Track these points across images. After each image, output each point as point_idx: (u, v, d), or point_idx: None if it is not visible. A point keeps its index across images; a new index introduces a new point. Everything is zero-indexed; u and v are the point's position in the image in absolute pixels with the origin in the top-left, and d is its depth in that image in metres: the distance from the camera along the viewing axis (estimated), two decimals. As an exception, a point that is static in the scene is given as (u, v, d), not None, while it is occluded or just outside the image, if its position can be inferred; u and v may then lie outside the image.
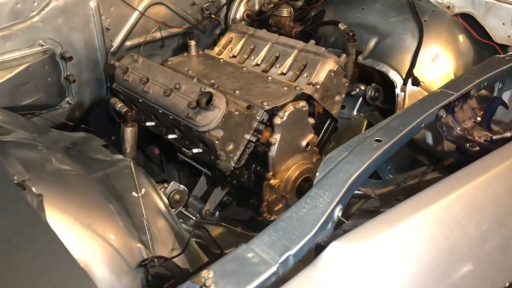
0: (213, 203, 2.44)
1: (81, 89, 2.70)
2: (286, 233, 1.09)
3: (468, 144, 1.50)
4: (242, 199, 2.47)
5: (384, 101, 2.94)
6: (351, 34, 2.79)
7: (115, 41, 2.74)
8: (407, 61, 2.77)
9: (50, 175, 1.48)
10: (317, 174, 1.29)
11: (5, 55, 2.33)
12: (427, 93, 2.70)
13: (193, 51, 2.83)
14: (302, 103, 2.29)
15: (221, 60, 2.72)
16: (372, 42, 2.92)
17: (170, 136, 2.34)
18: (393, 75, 2.76)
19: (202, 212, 2.41)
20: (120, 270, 1.39)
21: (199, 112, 2.04)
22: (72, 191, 1.46)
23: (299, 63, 2.51)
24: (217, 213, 2.54)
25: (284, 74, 2.51)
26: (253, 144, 2.22)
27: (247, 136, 2.19)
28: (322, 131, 2.58)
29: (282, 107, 2.24)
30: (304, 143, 2.39)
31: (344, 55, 2.49)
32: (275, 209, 2.40)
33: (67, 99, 2.66)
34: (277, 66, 2.55)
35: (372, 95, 2.82)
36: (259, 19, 3.10)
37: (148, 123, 2.43)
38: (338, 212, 1.19)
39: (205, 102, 2.00)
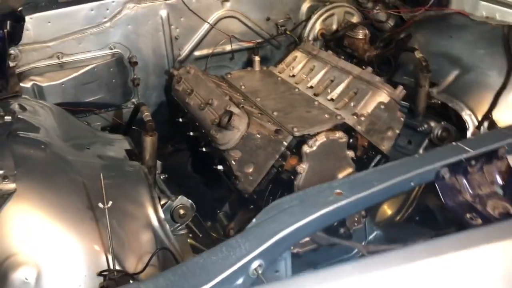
0: (239, 222, 2.38)
1: (147, 92, 2.86)
2: (181, 280, 1.00)
3: (468, 215, 1.22)
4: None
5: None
6: (424, 64, 2.50)
7: (183, 50, 2.84)
8: (487, 101, 2.38)
9: (39, 173, 1.58)
10: (253, 220, 1.16)
11: (77, 55, 2.57)
12: (505, 141, 2.30)
13: (256, 66, 2.81)
14: (339, 134, 2.12)
15: (279, 79, 2.65)
16: (452, 75, 2.57)
17: (205, 149, 2.34)
18: (466, 115, 2.41)
19: (226, 229, 2.36)
20: (75, 276, 1.42)
21: (220, 130, 2.01)
22: (53, 191, 1.54)
23: (351, 90, 2.32)
24: (245, 233, 2.46)
25: (333, 100, 2.35)
26: (277, 170, 2.10)
27: (271, 161, 2.08)
28: (368, 167, 2.35)
29: (314, 135, 2.09)
30: (339, 176, 2.20)
31: (400, 88, 2.23)
32: (300, 242, 2.25)
33: (133, 100, 2.83)
34: (329, 91, 2.39)
35: (439, 134, 2.49)
36: (330, 39, 2.94)
37: (191, 133, 2.47)
38: (256, 268, 1.05)
39: (226, 121, 1.95)
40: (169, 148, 3.11)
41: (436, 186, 1.28)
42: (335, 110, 2.27)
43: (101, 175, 1.49)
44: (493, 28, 2.61)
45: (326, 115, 2.21)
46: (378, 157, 2.34)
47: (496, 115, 2.34)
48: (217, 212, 2.50)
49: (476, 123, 2.38)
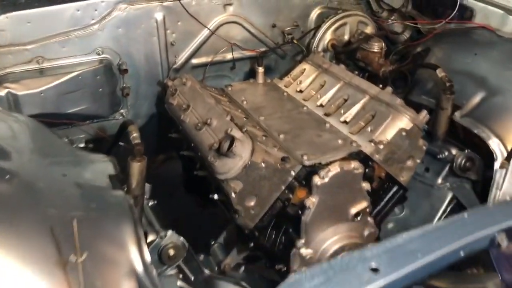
0: (236, 257, 2.12)
1: (138, 102, 2.60)
2: None
3: (532, 295, 0.98)
4: (270, 260, 2.10)
5: (483, 174, 2.31)
6: (448, 85, 2.25)
7: (179, 57, 2.58)
8: (517, 129, 2.13)
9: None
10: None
11: (60, 60, 2.31)
12: (537, 175, 2.06)
13: (260, 78, 2.55)
14: (355, 164, 1.86)
15: (285, 94, 2.40)
16: (477, 98, 2.32)
17: (201, 173, 2.08)
18: (494, 144, 2.16)
19: (221, 265, 2.10)
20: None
21: (219, 157, 1.75)
22: (16, 235, 1.28)
23: (367, 112, 2.07)
24: (242, 268, 2.20)
25: (346, 123, 2.09)
26: (282, 204, 1.84)
27: (276, 194, 1.82)
28: (384, 200, 2.10)
29: (327, 165, 1.83)
30: (353, 211, 1.95)
31: (424, 113, 1.98)
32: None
33: (121, 111, 2.56)
34: (342, 111, 2.14)
35: (462, 164, 2.24)
36: (343, 52, 2.69)
37: (185, 152, 2.21)
38: None
39: (226, 147, 1.69)
40: (161, 156, 2.85)
41: (490, 255, 1.03)
42: (350, 135, 2.02)
43: (75, 222, 1.22)
44: (524, 47, 2.37)
45: (340, 141, 1.96)
46: (394, 189, 2.10)
47: (526, 146, 2.10)
48: (211, 243, 2.23)
49: (505, 154, 2.13)
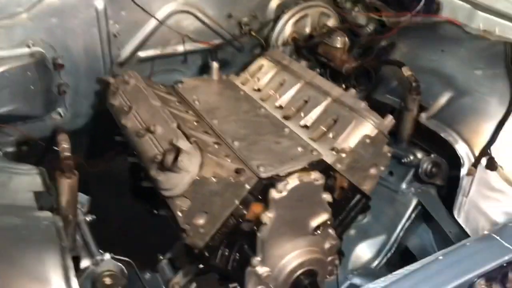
0: (186, 275, 1.93)
1: (78, 101, 2.35)
2: None
3: None
4: (223, 277, 1.92)
5: (449, 179, 2.20)
6: (414, 85, 2.11)
7: (123, 50, 2.32)
8: (486, 133, 2.03)
9: None
10: None
11: (-17, 54, 1.99)
12: (506, 183, 1.97)
13: (214, 74, 2.33)
14: (315, 176, 1.70)
15: (242, 92, 2.20)
16: (444, 98, 2.21)
17: (146, 184, 1.87)
18: (461, 149, 2.05)
19: (169, 285, 1.91)
20: None
21: (163, 171, 1.54)
22: None
23: (329, 116, 1.91)
24: (194, 285, 2.01)
25: (307, 127, 1.92)
26: (236, 221, 1.66)
27: (228, 210, 1.64)
28: (346, 211, 1.95)
29: (285, 177, 1.66)
30: (313, 224, 1.80)
31: (389, 118, 1.84)
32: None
33: (58, 110, 2.30)
34: (302, 114, 1.97)
35: (428, 169, 2.12)
36: (304, 46, 2.51)
37: (130, 159, 1.99)
38: None
39: (170, 161, 1.49)
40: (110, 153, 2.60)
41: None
42: (310, 141, 1.85)
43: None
44: (492, 45, 2.26)
45: (300, 149, 1.79)
46: (356, 198, 1.96)
47: (497, 151, 1.99)
48: (159, 258, 2.03)
49: (472, 159, 2.03)
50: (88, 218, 1.84)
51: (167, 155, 1.52)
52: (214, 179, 1.56)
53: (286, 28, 2.55)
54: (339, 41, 2.43)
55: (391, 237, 2.23)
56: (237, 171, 1.64)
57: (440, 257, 1.00)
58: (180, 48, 2.45)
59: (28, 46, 2.08)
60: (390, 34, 2.63)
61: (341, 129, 1.82)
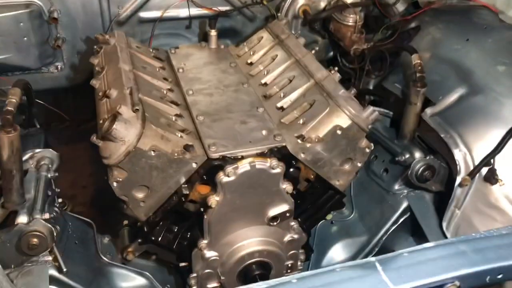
0: (140, 248, 1.88)
1: (75, 55, 2.35)
2: None
3: None
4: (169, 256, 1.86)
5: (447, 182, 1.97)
6: (418, 75, 1.87)
7: (123, 8, 2.27)
8: (492, 140, 1.77)
9: None
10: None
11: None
12: (506, 200, 1.71)
13: (212, 43, 2.22)
14: (272, 163, 1.58)
15: (232, 65, 2.08)
16: (455, 95, 1.96)
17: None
18: (459, 154, 1.82)
19: (124, 252, 1.88)
20: None
21: (102, 138, 1.47)
22: None
23: (306, 101, 1.74)
24: (153, 257, 1.97)
25: (283, 109, 1.77)
26: (178, 200, 1.58)
27: (172, 187, 1.56)
28: (314, 205, 1.81)
29: (236, 159, 1.54)
30: (270, 214, 1.68)
31: (369, 110, 1.64)
32: (207, 286, 1.76)
33: (57, 64, 2.32)
34: (281, 95, 1.81)
35: (419, 172, 1.89)
36: (312, 20, 2.31)
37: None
38: None
39: (106, 128, 1.42)
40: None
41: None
42: (281, 125, 1.70)
43: None
44: (525, 38, 1.94)
45: (264, 132, 1.65)
46: (327, 194, 1.80)
47: (501, 163, 1.73)
48: (122, 223, 2.01)
49: (471, 168, 1.78)
50: (50, 175, 1.85)
51: (106, 121, 1.46)
52: (152, 153, 1.48)
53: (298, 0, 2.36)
54: (351, 19, 2.21)
55: (372, 240, 2.05)
56: (186, 148, 1.55)
57: (294, 280, 0.85)
58: (184, 13, 2.35)
59: (24, -4, 2.09)
60: (417, 14, 2.35)
61: (313, 116, 1.66)
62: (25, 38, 2.13)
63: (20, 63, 2.19)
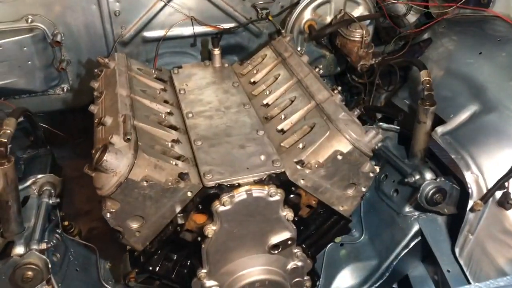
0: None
1: (81, 77, 2.34)
2: None
3: None
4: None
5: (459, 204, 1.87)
6: (426, 94, 1.79)
7: (127, 29, 2.26)
8: (507, 161, 1.67)
9: None
10: None
11: (-18, 27, 2.05)
12: (521, 226, 1.61)
13: (216, 61, 2.19)
14: (270, 190, 1.53)
15: (235, 85, 2.04)
16: (467, 113, 1.87)
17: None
18: (470, 177, 1.71)
19: (126, 277, 1.85)
20: None
21: (94, 169, 1.45)
22: None
23: (306, 123, 1.68)
24: (157, 282, 1.94)
25: (283, 132, 1.71)
26: (174, 230, 1.55)
27: (167, 216, 1.53)
28: (318, 231, 1.74)
29: (232, 187, 1.50)
30: (271, 242, 1.63)
31: (372, 133, 1.57)
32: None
33: (63, 86, 2.33)
34: (282, 117, 1.76)
35: (428, 196, 1.80)
36: (317, 36, 2.24)
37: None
38: None
39: (96, 159, 1.40)
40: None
41: None
42: (281, 149, 1.65)
43: None
44: (541, 52, 1.83)
45: (262, 157, 1.60)
46: (332, 219, 1.73)
47: (514, 186, 1.63)
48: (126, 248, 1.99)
49: (484, 191, 1.68)
50: (51, 201, 1.85)
51: (97, 152, 1.43)
52: (144, 183, 1.44)
53: (304, 14, 2.31)
54: (357, 34, 2.14)
55: (383, 265, 1.97)
56: (180, 176, 1.51)
57: None
58: (189, 31, 2.33)
59: (27, 21, 2.10)
60: (429, 26, 2.26)
61: (313, 140, 1.60)
62: (30, 62, 2.14)
63: (26, 86, 2.21)
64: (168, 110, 1.85)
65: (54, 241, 1.75)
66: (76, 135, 2.66)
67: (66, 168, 2.41)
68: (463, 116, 1.85)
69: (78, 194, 2.73)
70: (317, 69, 1.93)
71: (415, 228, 1.93)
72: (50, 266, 1.51)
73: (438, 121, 1.92)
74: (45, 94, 2.32)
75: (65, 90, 2.34)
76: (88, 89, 2.35)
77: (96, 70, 2.00)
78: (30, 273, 1.46)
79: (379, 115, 2.39)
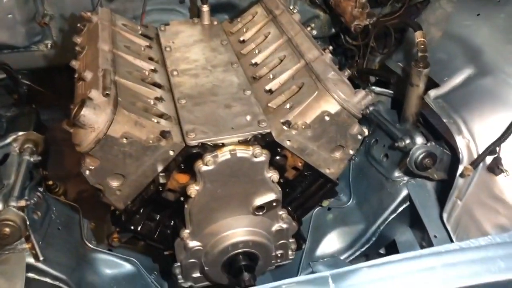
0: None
1: (65, 33, 2.25)
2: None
3: None
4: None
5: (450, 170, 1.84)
6: (420, 55, 1.73)
7: (112, -18, 2.16)
8: (499, 126, 1.62)
9: None
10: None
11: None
12: (510, 191, 1.58)
13: (205, 18, 2.11)
14: (255, 151, 1.48)
15: (224, 43, 1.97)
16: (462, 76, 1.81)
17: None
18: (462, 142, 1.68)
19: (109, 237, 1.83)
20: None
21: (72, 124, 1.40)
22: None
23: (295, 83, 1.63)
24: (141, 243, 1.92)
25: (271, 92, 1.66)
26: (156, 189, 1.51)
27: (149, 175, 1.49)
28: (304, 193, 1.71)
29: (216, 147, 1.45)
30: (255, 204, 1.59)
31: (361, 94, 1.52)
32: (192, 275, 1.71)
33: (46, 42, 2.25)
34: (271, 76, 1.70)
35: (418, 160, 1.77)
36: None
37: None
38: None
39: (73, 114, 1.35)
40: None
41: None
42: (267, 109, 1.60)
43: None
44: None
45: (248, 117, 1.55)
46: (318, 182, 1.70)
47: (507, 151, 1.59)
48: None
49: (474, 156, 1.64)
50: (32, 159, 1.80)
51: (75, 107, 1.38)
52: (125, 140, 1.40)
53: (299, -31, 2.21)
54: (352, -8, 2.05)
55: (369, 229, 1.95)
56: (162, 134, 1.46)
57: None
58: (178, -15, 2.24)
59: (6, -28, 2.01)
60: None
61: (301, 100, 1.55)
62: (10, 16, 2.06)
63: (7, 41, 2.13)
64: (152, 68, 1.78)
65: (35, 199, 1.71)
66: (64, 95, 2.60)
67: (56, 130, 2.35)
68: (458, 79, 1.80)
69: (68, 156, 2.69)
70: (309, 28, 1.86)
71: (404, 193, 1.91)
72: (28, 223, 1.48)
73: (432, 85, 1.87)
74: (28, 51, 2.24)
75: (48, 46, 2.27)
76: (71, 47, 2.30)
77: (79, 25, 1.92)
78: (7, 229, 1.43)
79: (372, 79, 2.34)
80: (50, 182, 2.07)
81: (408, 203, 1.90)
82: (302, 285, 0.74)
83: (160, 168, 1.51)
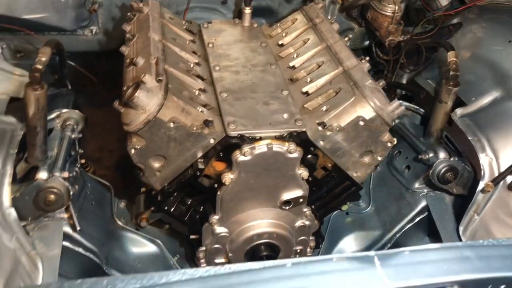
0: (155, 215, 1.93)
1: (110, 21, 2.37)
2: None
3: None
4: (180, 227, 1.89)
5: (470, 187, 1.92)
6: (451, 74, 1.82)
7: (161, -23, 2.26)
8: (522, 147, 1.71)
9: None
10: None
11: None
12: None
13: (246, 20, 2.21)
14: (290, 147, 1.57)
15: (263, 45, 2.07)
16: (489, 97, 1.90)
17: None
18: (485, 159, 1.76)
19: (138, 218, 1.92)
20: None
21: (124, 105, 1.50)
22: None
23: (332, 88, 1.72)
24: (167, 226, 2.02)
25: (307, 94, 1.76)
26: (193, 174, 1.60)
27: (188, 160, 1.58)
28: (329, 194, 1.80)
29: (254, 140, 1.54)
30: (283, 198, 1.68)
31: (395, 104, 1.61)
32: (215, 260, 1.79)
33: (92, 28, 2.35)
34: (308, 80, 1.80)
35: (440, 173, 1.84)
36: (349, 7, 2.26)
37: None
38: None
39: (128, 95, 1.44)
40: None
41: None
42: (304, 110, 1.69)
43: None
44: None
45: (285, 115, 1.64)
46: (344, 184, 1.78)
47: (527, 172, 1.67)
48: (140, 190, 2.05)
49: (496, 174, 1.72)
50: (74, 135, 1.90)
51: (129, 88, 1.48)
52: (171, 124, 1.49)
53: (339, -18, 2.32)
54: (389, 8, 2.15)
55: (386, 236, 2.03)
56: (205, 123, 1.56)
57: (288, 265, 0.85)
58: (221, -13, 2.34)
59: (62, -42, 2.12)
60: (460, 9, 2.27)
61: (337, 104, 1.64)
62: (63, 0, 2.17)
63: (56, 23, 2.23)
64: (196, 61, 1.88)
65: (74, 173, 1.80)
66: (97, 81, 2.70)
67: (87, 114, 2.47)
68: (485, 100, 1.88)
69: (90, 142, 2.78)
70: (346, 38, 1.96)
71: (422, 204, 1.99)
72: (71, 192, 1.57)
73: (459, 105, 1.95)
74: (74, 34, 2.35)
75: (93, 32, 2.37)
76: (116, 35, 2.41)
77: (129, 14, 2.02)
78: (52, 196, 1.52)
79: (398, 95, 2.43)
80: (83, 161, 2.17)
81: (425, 214, 1.98)
82: (351, 261, 0.82)
83: (199, 154, 1.60)
